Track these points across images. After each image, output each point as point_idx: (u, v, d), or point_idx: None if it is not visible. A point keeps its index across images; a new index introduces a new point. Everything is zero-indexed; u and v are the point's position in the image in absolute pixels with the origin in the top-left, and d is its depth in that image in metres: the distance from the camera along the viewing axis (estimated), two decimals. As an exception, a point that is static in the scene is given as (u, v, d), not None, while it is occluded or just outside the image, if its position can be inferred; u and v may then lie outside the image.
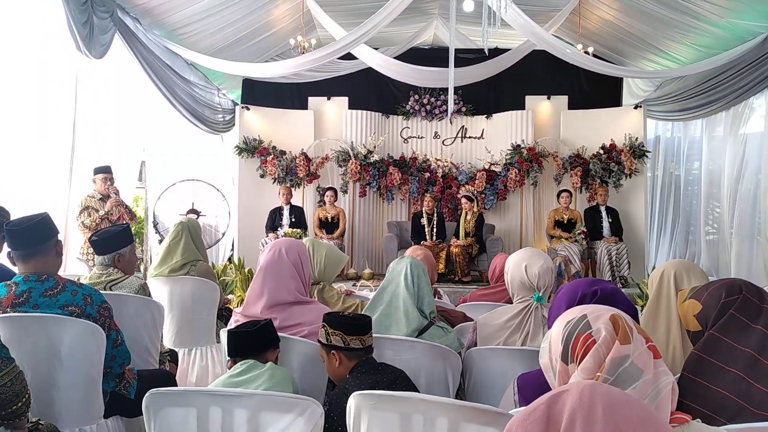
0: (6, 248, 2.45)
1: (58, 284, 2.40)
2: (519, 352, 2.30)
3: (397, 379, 2.07)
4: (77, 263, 5.37)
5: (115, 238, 3.07)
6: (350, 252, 8.70)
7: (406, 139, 9.36)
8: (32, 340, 2.32)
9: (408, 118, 9.35)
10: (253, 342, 2.21)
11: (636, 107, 8.71)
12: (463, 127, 9.32)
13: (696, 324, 1.80)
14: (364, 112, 9.11)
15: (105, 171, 5.60)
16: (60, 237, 2.52)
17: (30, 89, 4.91)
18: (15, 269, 2.50)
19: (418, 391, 2.07)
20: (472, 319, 3.11)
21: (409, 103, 9.27)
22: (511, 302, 2.58)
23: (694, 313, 1.80)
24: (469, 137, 9.31)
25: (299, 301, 2.64)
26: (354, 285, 6.83)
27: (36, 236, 2.38)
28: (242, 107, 8.91)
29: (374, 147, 8.91)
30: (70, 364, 2.36)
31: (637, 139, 8.45)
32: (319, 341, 2.23)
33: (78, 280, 2.93)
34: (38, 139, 5.09)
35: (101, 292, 2.58)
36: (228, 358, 2.26)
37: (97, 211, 5.45)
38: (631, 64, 8.49)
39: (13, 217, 2.46)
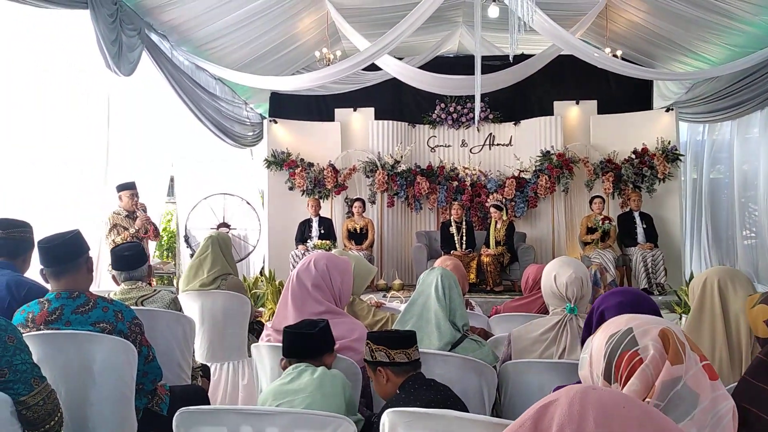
0: (39, 265, 2.46)
1: (90, 301, 2.41)
2: (557, 365, 2.23)
3: (449, 398, 1.99)
4: (110, 279, 5.42)
5: (142, 253, 3.12)
6: (379, 263, 8.67)
7: (433, 148, 9.32)
8: (65, 358, 2.33)
9: (434, 126, 9.31)
10: (309, 345, 2.17)
11: (667, 110, 8.53)
12: (490, 134, 9.24)
13: (766, 330, 1.72)
14: (390, 122, 9.11)
15: (131, 187, 5.62)
16: (92, 254, 2.53)
17: (63, 106, 4.99)
18: (48, 286, 2.51)
19: (467, 410, 2.00)
20: (492, 335, 3.05)
21: (435, 111, 9.24)
22: (548, 312, 2.52)
23: (764, 318, 1.72)
24: (497, 144, 9.23)
25: (329, 312, 2.60)
26: (384, 296, 6.79)
27: (67, 253, 2.40)
28: (270, 121, 8.98)
29: (401, 157, 8.89)
30: (102, 381, 2.36)
31: (669, 143, 8.28)
32: (364, 360, 2.18)
33: (109, 295, 2.95)
34: (73, 156, 5.17)
35: (132, 307, 2.59)
36: (282, 357, 2.23)
37: (126, 229, 5.49)
38: (660, 66, 8.33)
39: (46, 234, 2.47)
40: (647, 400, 1.07)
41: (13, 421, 1.85)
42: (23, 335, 2.00)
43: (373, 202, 8.86)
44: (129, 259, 3.06)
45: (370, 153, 8.97)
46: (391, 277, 8.39)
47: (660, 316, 1.64)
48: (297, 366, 2.10)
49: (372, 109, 9.22)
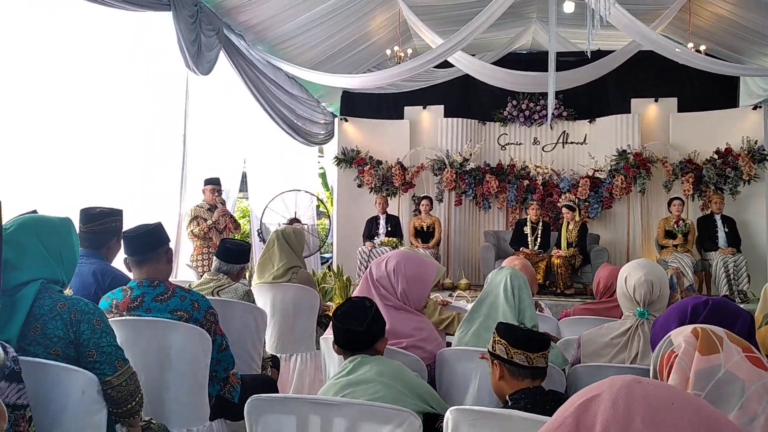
0: (123, 254, 2.61)
1: (168, 290, 2.53)
2: (628, 370, 2.18)
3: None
4: (187, 270, 5.65)
5: (243, 254, 3.32)
6: (446, 261, 8.65)
7: (503, 146, 9.21)
8: (145, 343, 2.45)
9: (505, 124, 9.20)
10: (361, 339, 2.14)
11: (755, 108, 8.11)
12: (564, 132, 9.05)
13: None
14: (460, 119, 9.07)
15: (214, 182, 5.93)
16: (171, 245, 2.66)
17: (145, 104, 5.22)
18: (130, 275, 2.66)
19: None
20: (557, 339, 2.99)
21: (507, 108, 9.12)
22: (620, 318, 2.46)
23: None
24: (571, 143, 9.02)
25: (395, 306, 2.60)
26: (450, 295, 6.76)
27: (149, 243, 2.53)
28: (341, 119, 9.12)
29: (470, 155, 8.83)
30: (178, 366, 2.47)
31: (756, 142, 7.86)
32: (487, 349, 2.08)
33: (189, 286, 3.08)
34: (153, 152, 5.40)
35: (208, 297, 2.70)
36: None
37: (205, 220, 5.76)
38: (749, 61, 7.91)
39: (129, 225, 2.61)
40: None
41: (99, 399, 1.97)
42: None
43: (441, 201, 8.85)
44: (228, 252, 3.27)
45: (438, 151, 8.96)
46: (457, 276, 8.36)
47: (732, 323, 1.59)
48: (353, 359, 2.10)
49: (441, 107, 9.20)
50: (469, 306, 2.84)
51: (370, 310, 2.17)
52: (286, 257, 4.00)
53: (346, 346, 2.16)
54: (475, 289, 7.65)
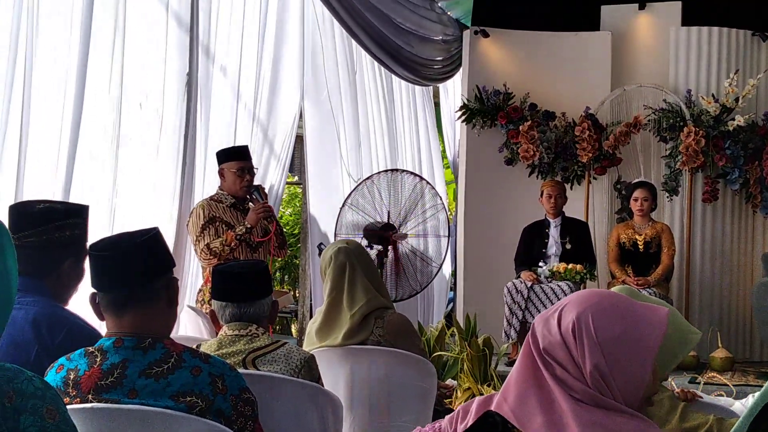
0: (89, 287, 2.67)
1: (171, 355, 2.58)
2: None
3: None
4: (191, 317, 5.70)
5: (265, 275, 3.40)
6: (684, 313, 8.46)
7: (807, 84, 8.99)
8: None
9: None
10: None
11: None
12: None
13: None
14: (715, 30, 8.94)
15: (239, 156, 5.91)
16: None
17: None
18: (101, 327, 2.72)
19: None
20: None
21: (815, 6, 8.89)
22: None
23: None
24: None
25: (591, 402, 2.56)
26: (694, 380, 6.63)
27: (140, 268, 2.58)
28: (474, 32, 9.15)
29: (737, 99, 8.62)
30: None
31: None
32: None
33: (199, 346, 3.15)
34: (126, 102, 5.48)
35: (240, 371, 2.74)
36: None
37: (230, 226, 5.76)
38: None
39: (97, 235, 2.67)
40: None
41: None
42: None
43: (674, 193, 8.71)
44: (243, 280, 3.29)
45: (669, 92, 8.83)
46: (709, 344, 8.13)
47: None
48: None
49: (678, 5, 9.08)
50: (739, 404, 2.76)
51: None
52: (366, 293, 4.06)
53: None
54: (743, 371, 7.47)
